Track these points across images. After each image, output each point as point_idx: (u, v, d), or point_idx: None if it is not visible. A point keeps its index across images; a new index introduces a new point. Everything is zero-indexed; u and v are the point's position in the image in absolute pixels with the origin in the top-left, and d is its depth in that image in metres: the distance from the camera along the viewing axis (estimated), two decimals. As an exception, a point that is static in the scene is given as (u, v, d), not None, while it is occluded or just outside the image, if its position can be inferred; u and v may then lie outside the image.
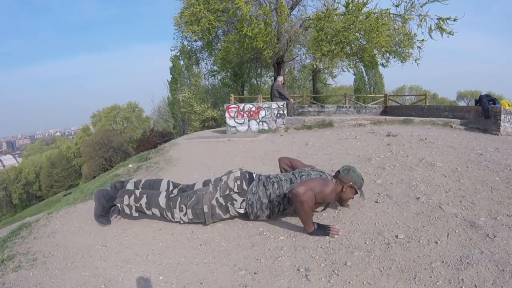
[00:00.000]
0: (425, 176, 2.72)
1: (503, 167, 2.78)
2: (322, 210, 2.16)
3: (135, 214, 2.18)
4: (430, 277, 1.42)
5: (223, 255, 1.76)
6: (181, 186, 2.29)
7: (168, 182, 2.33)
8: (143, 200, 2.13)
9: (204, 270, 1.64)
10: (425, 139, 4.13)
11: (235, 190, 2.06)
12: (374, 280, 1.43)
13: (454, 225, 1.86)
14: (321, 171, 2.14)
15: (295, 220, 2.09)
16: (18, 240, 2.02)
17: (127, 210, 2.17)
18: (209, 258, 1.75)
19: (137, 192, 2.18)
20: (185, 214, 2.07)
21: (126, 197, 2.16)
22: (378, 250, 1.67)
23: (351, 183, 2.06)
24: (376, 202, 2.29)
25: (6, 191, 35.28)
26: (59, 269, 1.69)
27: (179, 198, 2.10)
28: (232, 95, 12.10)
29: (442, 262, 1.52)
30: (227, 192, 2.06)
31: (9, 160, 63.61)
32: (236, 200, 2.05)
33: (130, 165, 4.29)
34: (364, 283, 1.42)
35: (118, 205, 2.19)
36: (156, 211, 2.13)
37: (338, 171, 2.13)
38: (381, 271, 1.49)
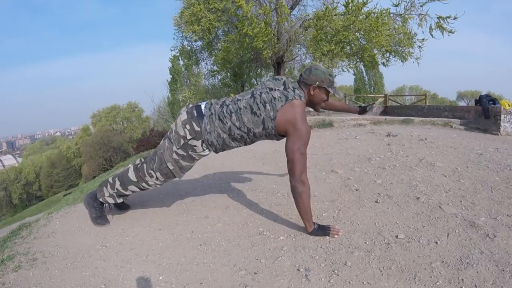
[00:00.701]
0: (425, 176, 2.72)
1: (503, 167, 2.79)
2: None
3: (119, 200, 2.16)
4: (430, 277, 1.42)
5: (223, 255, 1.76)
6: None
7: (140, 159, 2.23)
8: (117, 183, 2.09)
9: (204, 270, 1.64)
10: (425, 139, 4.13)
11: (188, 136, 1.85)
12: (374, 280, 1.43)
13: (454, 225, 1.86)
14: (284, 88, 1.83)
15: (295, 220, 2.09)
16: (18, 240, 2.02)
17: (111, 201, 2.15)
18: (209, 258, 1.75)
19: (110, 179, 2.15)
20: (156, 178, 1.99)
21: (104, 188, 2.14)
22: (378, 250, 1.67)
23: (317, 83, 1.82)
24: (376, 202, 2.29)
25: (6, 191, 35.28)
26: (59, 269, 1.69)
27: (145, 165, 2.02)
28: (232, 95, 12.08)
29: (442, 262, 1.52)
30: (182, 141, 1.87)
31: (9, 160, 63.62)
32: (196, 146, 1.88)
33: (130, 165, 4.29)
34: (364, 283, 1.42)
35: (101, 199, 2.16)
36: (132, 187, 2.07)
37: (301, 74, 1.89)
38: (381, 271, 1.49)
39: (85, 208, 2.26)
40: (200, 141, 1.87)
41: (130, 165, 2.25)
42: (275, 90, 1.83)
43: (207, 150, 1.95)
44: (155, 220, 2.28)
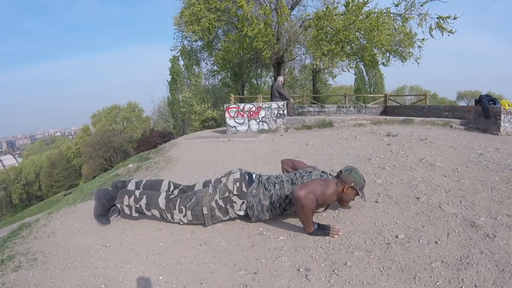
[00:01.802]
0: (425, 176, 2.72)
1: (503, 167, 2.78)
2: (323, 211, 2.16)
3: (135, 214, 2.19)
4: (430, 277, 1.42)
5: (223, 255, 1.76)
6: (181, 187, 2.30)
7: (169, 182, 2.33)
8: (143, 201, 2.13)
9: (204, 270, 1.64)
10: (425, 139, 4.13)
11: (235, 192, 2.04)
12: (374, 280, 1.43)
13: (454, 225, 1.86)
14: (323, 171, 2.12)
15: (295, 220, 2.08)
16: (18, 240, 2.02)
17: (127, 211, 2.17)
18: (209, 258, 1.75)
19: (137, 192, 2.18)
20: (185, 215, 2.07)
21: (126, 197, 2.16)
22: (378, 250, 1.67)
23: (352, 184, 2.02)
24: (376, 202, 2.29)
25: (6, 191, 35.29)
26: (59, 269, 1.69)
27: (179, 199, 2.10)
28: (232, 95, 12.10)
29: (442, 262, 1.52)
30: (227, 194, 2.05)
31: (9, 160, 63.63)
32: (235, 203, 2.04)
33: (130, 165, 4.29)
34: (364, 283, 1.42)
35: (118, 205, 2.18)
36: (155, 212, 2.13)
37: (340, 171, 2.11)
38: (381, 271, 1.49)
39: (93, 201, 2.28)
40: (241, 201, 2.05)
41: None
42: (314, 172, 2.08)
43: (242, 211, 2.07)
44: (156, 220, 2.28)
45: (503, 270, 1.41)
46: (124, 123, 34.13)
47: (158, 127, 26.02)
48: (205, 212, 2.04)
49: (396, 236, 1.79)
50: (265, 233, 1.98)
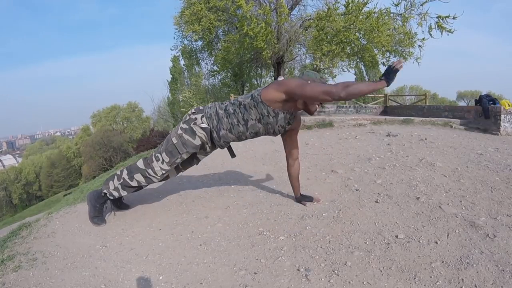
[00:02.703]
0: (425, 176, 2.72)
1: (503, 167, 2.78)
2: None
3: (123, 192, 2.19)
4: (430, 277, 1.42)
5: (223, 255, 1.76)
6: None
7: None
8: (124, 173, 2.16)
9: (204, 270, 1.64)
10: (425, 139, 4.13)
11: (192, 111, 2.11)
12: (374, 280, 1.43)
13: (454, 225, 1.86)
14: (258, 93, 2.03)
15: (295, 220, 2.09)
16: (18, 240, 2.02)
17: (115, 194, 2.18)
18: (209, 258, 1.75)
19: (118, 171, 2.22)
20: (162, 161, 2.09)
21: (110, 182, 2.19)
22: (378, 250, 1.67)
23: (309, 81, 1.89)
24: (376, 202, 2.29)
25: (6, 191, 35.29)
26: (59, 269, 1.69)
27: (153, 152, 2.17)
28: (232, 95, 12.10)
29: (442, 262, 1.52)
30: (187, 117, 2.10)
31: (9, 160, 63.64)
32: (196, 118, 2.07)
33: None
34: (364, 283, 1.42)
35: (106, 192, 2.19)
36: (138, 177, 2.13)
37: None
38: (381, 271, 1.49)
39: (87, 205, 2.28)
40: (200, 115, 2.07)
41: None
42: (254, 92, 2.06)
43: (205, 123, 2.07)
44: (155, 220, 2.28)
45: (503, 270, 1.41)
46: (124, 123, 34.14)
47: (158, 127, 26.03)
48: (175, 141, 2.07)
49: (396, 236, 1.79)
50: (265, 233, 1.98)
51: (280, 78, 8.09)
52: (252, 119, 2.00)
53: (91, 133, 34.37)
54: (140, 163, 2.14)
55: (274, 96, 1.90)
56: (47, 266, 1.72)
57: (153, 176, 2.13)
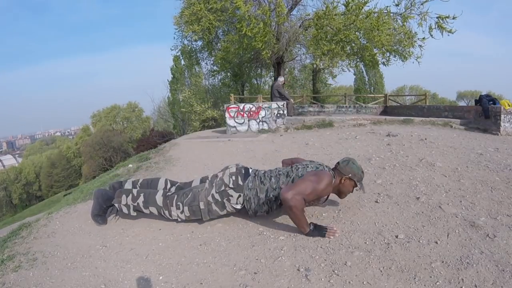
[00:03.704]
0: (425, 176, 2.72)
1: (503, 167, 2.78)
2: (323, 203, 2.14)
3: (133, 213, 2.19)
4: (430, 277, 1.42)
5: (223, 255, 1.76)
6: (178, 184, 2.30)
7: (166, 180, 2.33)
8: (141, 199, 2.13)
9: (204, 270, 1.64)
10: (425, 139, 4.13)
11: (231, 185, 2.03)
12: (374, 280, 1.43)
13: (454, 225, 1.86)
14: (320, 164, 2.09)
15: (295, 220, 2.08)
16: (18, 240, 2.02)
17: (125, 210, 2.17)
18: (209, 258, 1.75)
19: (135, 191, 2.18)
20: (182, 211, 2.06)
21: (123, 196, 2.16)
22: (378, 250, 1.67)
23: (350, 175, 2.01)
24: (376, 202, 2.29)
25: (6, 191, 35.28)
26: (59, 269, 1.69)
27: (176, 196, 2.09)
28: (232, 95, 12.10)
29: (442, 262, 1.52)
30: (223, 188, 2.04)
31: (9, 160, 63.62)
32: (232, 196, 2.03)
33: (130, 165, 4.30)
34: (364, 283, 1.42)
35: (116, 205, 2.19)
36: (153, 210, 2.12)
37: (338, 163, 2.10)
38: (381, 271, 1.49)
39: (91, 201, 2.29)
40: (238, 194, 2.03)
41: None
42: (310, 165, 2.06)
43: (239, 205, 2.05)
44: (155, 220, 2.28)
45: (503, 270, 1.41)
46: (124, 123, 34.14)
47: (158, 127, 26.02)
48: (202, 207, 2.03)
49: (396, 236, 1.79)
50: (265, 233, 1.98)
51: (280, 79, 8.09)
52: None
53: (91, 133, 34.37)
54: (160, 200, 2.10)
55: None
56: (47, 266, 1.72)
57: (168, 218, 2.14)
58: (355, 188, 2.09)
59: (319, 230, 1.86)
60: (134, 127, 33.22)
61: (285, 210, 2.18)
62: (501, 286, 1.32)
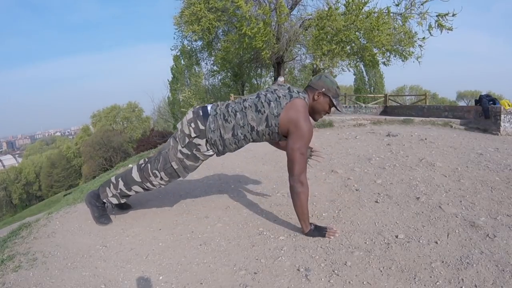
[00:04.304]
0: (425, 176, 2.72)
1: (503, 167, 2.78)
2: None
3: (123, 200, 2.16)
4: (430, 277, 1.42)
5: (223, 255, 1.76)
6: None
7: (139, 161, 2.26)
8: (120, 184, 2.08)
9: (204, 270, 1.64)
10: (425, 139, 4.13)
11: (193, 134, 1.85)
12: (374, 280, 1.43)
13: (454, 225, 1.86)
14: (290, 90, 1.85)
15: (295, 220, 2.08)
16: (18, 240, 2.02)
17: (114, 201, 2.15)
18: (209, 258, 1.75)
19: (113, 179, 2.13)
20: (161, 178, 1.99)
21: (106, 189, 2.13)
22: (378, 250, 1.67)
23: (323, 89, 1.82)
24: (376, 202, 2.29)
25: (6, 191, 35.30)
26: (59, 269, 1.69)
27: (149, 164, 2.01)
28: (232, 95, 12.12)
29: (442, 262, 1.52)
30: (187, 140, 1.87)
31: (9, 160, 63.64)
32: (200, 145, 1.87)
33: (130, 165, 4.29)
34: (364, 283, 1.42)
35: (105, 200, 2.16)
36: (136, 188, 2.07)
37: (310, 80, 1.92)
38: (381, 271, 1.49)
39: (87, 207, 2.25)
40: (204, 140, 1.87)
41: (130, 165, 2.25)
42: (280, 90, 1.85)
43: (211, 151, 1.94)
44: (155, 220, 2.27)
45: (503, 270, 1.41)
46: (124, 123, 34.16)
47: (158, 127, 26.03)
48: (175, 166, 1.94)
49: (396, 236, 1.79)
50: (265, 233, 1.98)
51: (281, 79, 8.09)
52: (262, 140, 1.95)
53: (91, 133, 34.39)
54: (136, 175, 2.02)
55: (286, 130, 1.81)
56: (47, 266, 1.72)
57: (153, 188, 2.09)
58: (331, 108, 1.89)
59: (319, 230, 1.85)
60: (134, 127, 33.24)
61: (285, 210, 2.19)
62: (501, 286, 1.32)
